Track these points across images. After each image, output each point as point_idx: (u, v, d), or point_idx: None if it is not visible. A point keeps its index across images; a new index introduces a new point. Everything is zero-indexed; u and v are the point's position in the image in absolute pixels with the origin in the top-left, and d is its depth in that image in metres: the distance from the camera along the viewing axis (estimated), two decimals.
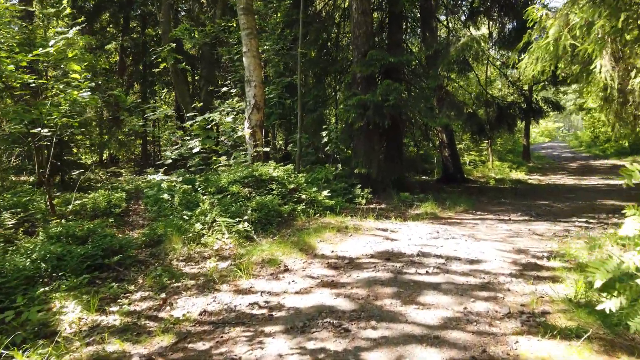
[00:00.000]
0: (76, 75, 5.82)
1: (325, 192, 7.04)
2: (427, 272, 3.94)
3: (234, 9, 9.68)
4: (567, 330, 2.64)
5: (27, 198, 6.49)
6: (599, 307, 1.95)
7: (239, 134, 8.14)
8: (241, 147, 8.18)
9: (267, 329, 2.91)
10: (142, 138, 16.88)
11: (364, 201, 7.86)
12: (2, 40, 5.60)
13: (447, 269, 4.01)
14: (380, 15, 11.91)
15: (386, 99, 7.91)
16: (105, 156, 16.92)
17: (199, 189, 6.62)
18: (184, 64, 10.20)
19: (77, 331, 2.94)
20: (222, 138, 8.82)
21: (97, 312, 3.24)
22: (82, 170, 8.77)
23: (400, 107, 8.26)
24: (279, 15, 12.59)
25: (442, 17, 13.90)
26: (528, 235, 5.51)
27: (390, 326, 2.85)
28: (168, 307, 3.37)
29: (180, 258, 4.63)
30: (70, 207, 6.48)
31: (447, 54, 8.71)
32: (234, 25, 10.89)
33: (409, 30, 12.83)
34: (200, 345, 2.73)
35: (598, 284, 1.87)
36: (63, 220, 5.56)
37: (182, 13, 17.73)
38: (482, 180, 13.55)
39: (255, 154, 7.81)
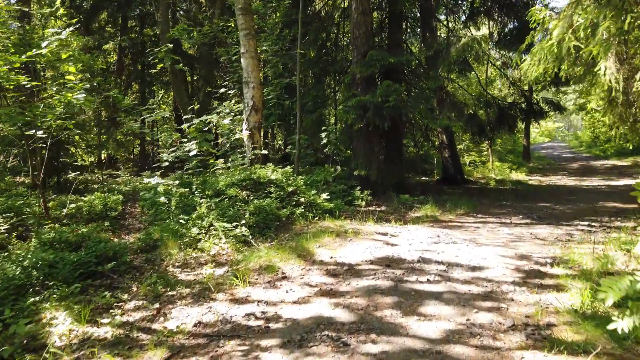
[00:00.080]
0: (71, 77, 5.72)
1: (324, 195, 6.93)
2: (428, 280, 3.84)
3: (233, 9, 9.55)
4: (574, 345, 2.54)
5: (22, 201, 6.39)
6: (610, 327, 1.86)
7: (237, 136, 8.04)
8: (239, 150, 8.07)
9: (263, 342, 2.81)
10: (140, 138, 16.77)
11: (363, 203, 7.77)
12: None
13: (448, 276, 3.91)
14: (380, 15, 11.79)
15: (386, 100, 7.81)
16: (103, 156, 16.80)
17: (196, 192, 6.52)
18: (181, 64, 10.08)
19: (67, 344, 2.85)
20: (220, 140, 8.71)
21: (89, 323, 3.14)
22: (78, 172, 8.66)
23: (401, 108, 8.16)
24: (277, 15, 12.47)
25: (442, 17, 13.81)
26: (530, 240, 5.42)
27: (390, 340, 2.76)
28: (162, 318, 3.28)
29: (176, 264, 4.54)
30: (65, 210, 6.38)
31: (448, 54, 8.59)
32: (233, 25, 10.77)
33: (409, 30, 12.72)
34: None
35: (610, 302, 1.78)
36: (57, 225, 5.46)
37: (181, 13, 17.59)
38: (482, 181, 13.45)
39: (254, 156, 7.71)
